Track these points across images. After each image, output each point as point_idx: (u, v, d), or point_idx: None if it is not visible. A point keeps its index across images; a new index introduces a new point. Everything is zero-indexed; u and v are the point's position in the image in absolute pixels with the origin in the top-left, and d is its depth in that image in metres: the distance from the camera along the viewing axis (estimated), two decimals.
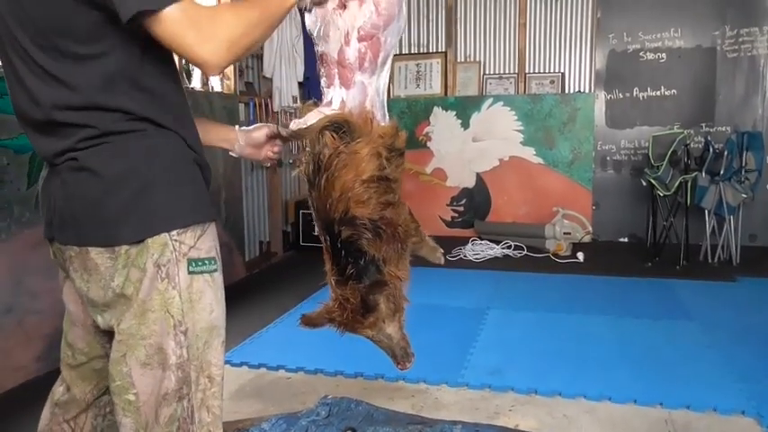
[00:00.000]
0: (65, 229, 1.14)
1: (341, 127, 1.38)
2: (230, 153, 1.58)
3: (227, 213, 4.47)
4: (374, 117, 1.45)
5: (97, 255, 1.10)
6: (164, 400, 1.13)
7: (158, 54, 1.11)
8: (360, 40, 1.45)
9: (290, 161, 5.18)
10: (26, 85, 1.10)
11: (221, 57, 1.05)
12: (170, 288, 1.12)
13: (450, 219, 6.00)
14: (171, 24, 1.01)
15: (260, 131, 1.56)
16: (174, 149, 1.13)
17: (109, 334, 1.19)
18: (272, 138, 1.57)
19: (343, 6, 1.47)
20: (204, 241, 1.17)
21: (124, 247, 1.09)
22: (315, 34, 1.54)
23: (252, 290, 4.28)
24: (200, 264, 1.15)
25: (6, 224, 2.71)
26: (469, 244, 5.30)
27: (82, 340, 1.28)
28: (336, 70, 1.48)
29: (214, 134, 1.53)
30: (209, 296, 1.17)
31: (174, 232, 1.12)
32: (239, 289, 4.25)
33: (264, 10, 1.13)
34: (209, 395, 1.18)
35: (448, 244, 5.29)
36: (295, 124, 1.47)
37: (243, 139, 1.54)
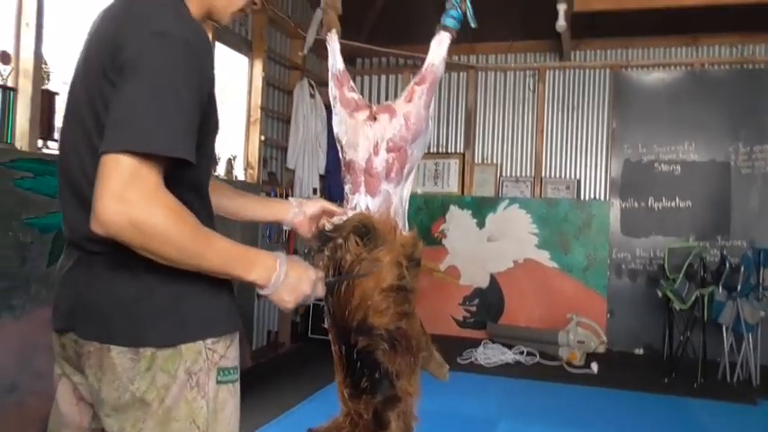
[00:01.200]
0: (89, 324, 1.11)
1: (367, 233, 1.39)
2: (284, 227, 1.56)
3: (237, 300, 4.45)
4: (398, 226, 1.48)
5: (118, 354, 1.08)
6: None
7: (193, 173, 1.11)
8: (388, 151, 1.51)
9: (306, 251, 5.20)
10: (80, 154, 1.09)
11: (113, 224, 0.95)
12: (199, 397, 1.11)
13: (462, 318, 5.92)
14: (114, 162, 0.95)
15: (317, 203, 1.54)
16: None
17: None
18: (326, 215, 1.53)
19: (374, 119, 1.54)
20: (231, 350, 1.18)
21: (150, 350, 1.07)
22: (344, 142, 1.60)
23: (256, 382, 4.16)
24: (227, 373, 1.16)
25: (22, 302, 2.71)
26: (481, 347, 5.18)
27: None
28: (363, 178, 1.52)
29: (269, 208, 1.55)
30: (230, 406, 1.17)
31: (209, 341, 1.13)
32: (243, 380, 4.12)
33: (209, 254, 1.03)
34: None
35: (459, 345, 5.20)
36: (337, 219, 1.47)
37: (297, 206, 1.52)
